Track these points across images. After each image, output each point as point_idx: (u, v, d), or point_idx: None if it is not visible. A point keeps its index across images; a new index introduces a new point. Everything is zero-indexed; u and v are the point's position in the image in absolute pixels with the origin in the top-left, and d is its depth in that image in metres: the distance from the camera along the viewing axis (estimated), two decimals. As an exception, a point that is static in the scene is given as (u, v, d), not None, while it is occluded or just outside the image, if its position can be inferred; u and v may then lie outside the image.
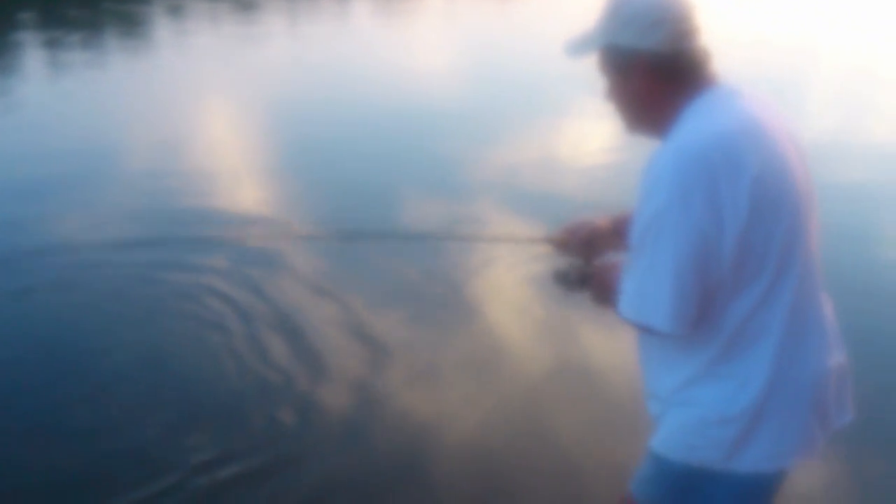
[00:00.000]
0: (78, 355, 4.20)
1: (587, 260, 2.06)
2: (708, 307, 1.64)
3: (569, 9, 15.47)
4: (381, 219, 5.77)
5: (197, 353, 4.16)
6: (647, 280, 1.65)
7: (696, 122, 1.65)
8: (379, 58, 11.94)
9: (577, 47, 1.78)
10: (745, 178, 1.57)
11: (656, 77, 1.70)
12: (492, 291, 4.74)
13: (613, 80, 1.76)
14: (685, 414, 1.75)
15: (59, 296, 4.84)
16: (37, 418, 3.63)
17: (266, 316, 4.51)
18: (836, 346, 1.79)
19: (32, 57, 12.81)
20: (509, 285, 4.78)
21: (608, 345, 4.03)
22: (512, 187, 6.39)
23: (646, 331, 1.73)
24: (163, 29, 15.15)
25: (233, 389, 3.83)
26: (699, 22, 1.69)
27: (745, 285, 1.63)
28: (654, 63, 1.68)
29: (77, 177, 6.90)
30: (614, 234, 2.07)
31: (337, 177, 6.74)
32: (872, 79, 10.29)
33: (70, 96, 10.04)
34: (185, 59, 12.30)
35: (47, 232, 5.68)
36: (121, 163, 7.38)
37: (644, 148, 1.75)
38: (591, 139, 7.43)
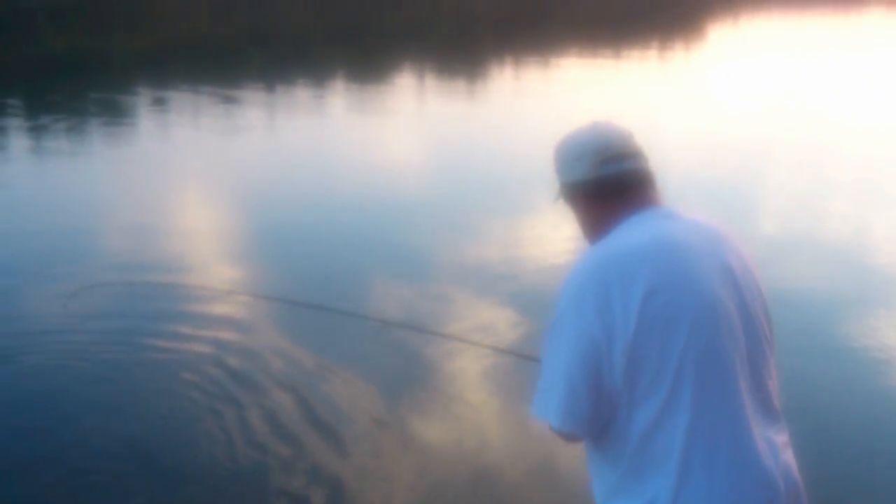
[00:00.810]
0: (57, 438, 4.40)
1: None
2: (613, 414, 1.75)
3: (540, 108, 16.23)
4: (346, 297, 6.09)
5: (177, 432, 4.42)
6: (545, 379, 1.83)
7: (608, 241, 1.89)
8: (352, 151, 12.42)
9: (553, 195, 2.13)
10: (636, 292, 1.71)
11: (588, 200, 1.98)
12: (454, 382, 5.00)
13: (571, 209, 2.10)
14: None
15: (33, 372, 5.12)
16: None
17: (230, 393, 4.79)
18: (773, 479, 1.73)
19: (17, 141, 13.22)
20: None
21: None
22: (476, 278, 6.72)
23: (548, 428, 1.85)
24: (146, 119, 15.65)
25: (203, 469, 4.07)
26: (630, 148, 1.96)
27: (644, 398, 1.71)
28: (583, 189, 1.98)
29: (54, 253, 7.25)
30: None
31: (306, 262, 7.11)
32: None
33: (51, 180, 10.42)
34: (165, 147, 12.74)
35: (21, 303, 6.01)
36: (96, 241, 7.72)
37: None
38: (553, 237, 7.76)
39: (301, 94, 18.91)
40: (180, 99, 17.86)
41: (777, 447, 1.78)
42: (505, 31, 39.84)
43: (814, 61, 24.56)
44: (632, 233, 1.85)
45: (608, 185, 1.94)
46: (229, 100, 17.64)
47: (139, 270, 6.89)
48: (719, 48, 31.20)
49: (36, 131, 14.06)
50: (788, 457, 1.82)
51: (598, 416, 1.76)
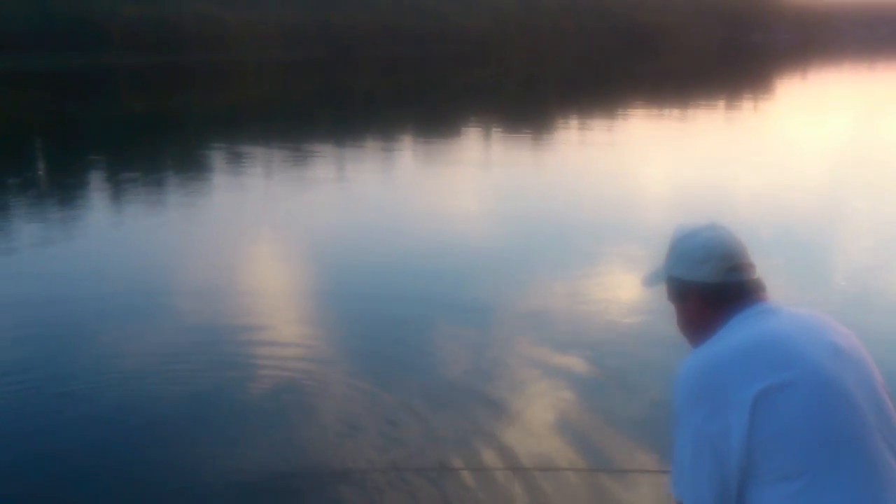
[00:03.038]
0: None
1: None
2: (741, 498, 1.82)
3: (603, 161, 16.33)
4: (410, 360, 6.10)
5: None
6: (676, 467, 1.91)
7: (717, 341, 1.95)
8: (419, 201, 12.66)
9: (650, 279, 2.20)
10: (750, 389, 1.78)
11: (704, 303, 2.04)
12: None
13: (675, 306, 2.14)
14: None
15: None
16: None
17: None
18: None
19: (100, 195, 13.85)
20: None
21: None
22: (541, 337, 6.55)
23: None
24: (223, 172, 16.22)
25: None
26: (749, 259, 2.05)
27: (773, 482, 1.77)
28: (702, 291, 2.03)
29: (134, 300, 7.57)
30: None
31: (373, 315, 7.08)
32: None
33: (131, 231, 10.87)
34: (239, 199, 13.16)
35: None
36: (171, 294, 8.02)
37: (668, 312, 2.17)
38: (620, 293, 7.61)
39: (369, 149, 19.36)
40: (256, 154, 18.46)
41: None
42: (572, 88, 40.20)
43: (881, 117, 24.15)
44: (736, 333, 1.93)
45: (729, 292, 2.01)
46: (301, 155, 18.17)
47: (205, 323, 7.16)
48: (787, 104, 30.96)
49: (120, 185, 14.70)
50: None
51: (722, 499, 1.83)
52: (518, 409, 5.26)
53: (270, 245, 10.15)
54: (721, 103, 30.24)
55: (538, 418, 5.14)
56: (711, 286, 2.02)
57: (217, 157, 18.37)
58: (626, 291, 7.55)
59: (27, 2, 61.26)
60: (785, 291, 6.78)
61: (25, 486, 4.44)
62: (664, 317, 2.21)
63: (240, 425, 5.08)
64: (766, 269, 2.13)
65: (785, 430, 1.76)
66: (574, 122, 25.36)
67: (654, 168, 15.55)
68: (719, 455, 1.79)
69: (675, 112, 26.96)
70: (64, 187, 14.79)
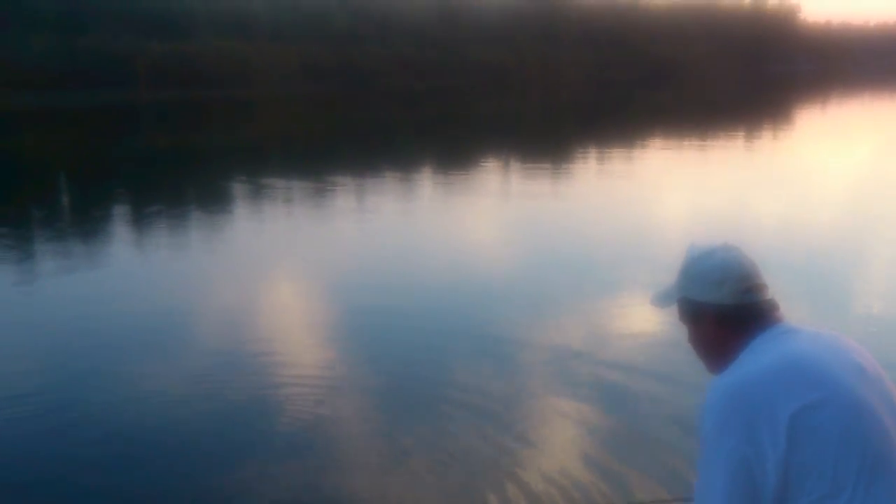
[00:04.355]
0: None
1: None
2: None
3: (623, 191, 16.36)
4: (428, 393, 6.12)
5: None
6: (702, 494, 1.88)
7: (743, 363, 1.94)
8: (437, 233, 12.74)
9: (661, 298, 2.18)
10: (781, 412, 1.78)
11: (721, 325, 2.02)
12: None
13: (689, 327, 2.13)
14: None
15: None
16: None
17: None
18: None
19: (117, 226, 14.07)
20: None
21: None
22: (561, 369, 6.57)
23: None
24: (241, 204, 16.40)
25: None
26: (763, 280, 2.04)
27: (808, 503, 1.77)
28: (719, 313, 2.02)
29: (158, 327, 7.68)
30: None
31: (390, 349, 7.11)
32: None
33: (151, 263, 11.02)
34: (261, 231, 13.31)
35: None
36: (191, 324, 8.11)
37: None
38: (640, 325, 7.62)
39: (390, 181, 19.51)
40: (278, 186, 18.66)
41: None
42: (591, 119, 40.35)
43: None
44: (763, 355, 1.92)
45: (746, 313, 2.01)
46: (323, 187, 18.34)
47: (223, 354, 7.24)
48: (807, 134, 30.91)
49: (146, 217, 14.91)
50: None
51: None
52: (537, 444, 5.27)
53: (292, 276, 10.24)
54: (741, 134, 30.22)
55: (559, 453, 5.14)
56: (728, 308, 2.01)
57: (241, 190, 18.60)
58: (647, 320, 7.56)
59: (54, 39, 62.41)
60: (802, 314, 6.76)
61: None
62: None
63: (264, 451, 5.12)
64: (787, 293, 2.14)
65: (822, 450, 1.76)
66: (593, 153, 25.44)
67: (672, 197, 15.57)
68: (755, 478, 1.78)
69: (695, 143, 26.97)
70: (90, 220, 15.00)
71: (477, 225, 13.59)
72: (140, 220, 14.72)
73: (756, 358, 1.92)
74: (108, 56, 62.82)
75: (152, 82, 62.39)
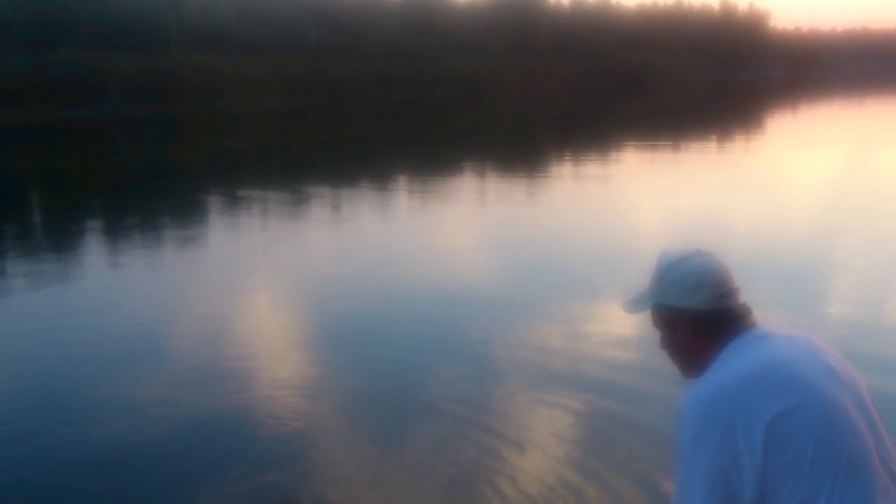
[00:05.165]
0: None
1: None
2: None
3: (605, 196, 16.46)
4: (413, 398, 6.10)
5: None
6: (679, 501, 1.89)
7: (718, 369, 1.94)
8: (414, 242, 12.75)
9: (633, 304, 2.17)
10: (758, 418, 1.79)
11: (697, 330, 2.02)
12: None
13: (663, 332, 2.13)
14: None
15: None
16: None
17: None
18: None
19: (94, 240, 13.97)
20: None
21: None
22: (541, 372, 6.56)
23: None
24: (218, 216, 16.34)
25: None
26: (734, 284, 2.05)
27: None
28: (695, 319, 2.02)
29: (135, 340, 7.61)
30: None
31: (372, 356, 7.07)
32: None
33: (131, 275, 10.94)
34: (237, 242, 13.24)
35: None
36: (171, 334, 8.06)
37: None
38: (618, 328, 7.61)
39: (365, 191, 19.52)
40: (254, 198, 18.59)
41: None
42: (565, 128, 40.58)
43: (871, 150, 24.37)
44: (738, 362, 1.92)
45: (722, 318, 2.01)
46: (299, 197, 18.32)
47: (201, 368, 7.21)
48: (777, 139, 31.26)
49: (120, 231, 14.80)
50: None
51: None
52: (525, 449, 5.24)
53: (273, 286, 10.19)
54: (713, 139, 30.51)
55: (548, 458, 5.12)
56: (704, 313, 2.01)
57: (215, 203, 18.52)
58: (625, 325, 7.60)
59: (23, 56, 61.91)
60: (774, 318, 6.82)
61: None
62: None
63: (248, 459, 5.09)
64: (759, 298, 2.15)
65: (798, 456, 1.77)
66: (568, 160, 25.56)
67: (644, 202, 15.68)
68: (732, 487, 1.79)
69: (667, 150, 27.18)
70: (65, 235, 14.86)
71: (455, 232, 13.62)
72: (118, 233, 14.60)
73: (730, 365, 1.92)
74: (79, 72, 62.37)
75: (125, 97, 62.03)
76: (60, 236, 14.91)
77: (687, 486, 1.86)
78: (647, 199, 16.13)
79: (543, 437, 5.38)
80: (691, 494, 1.84)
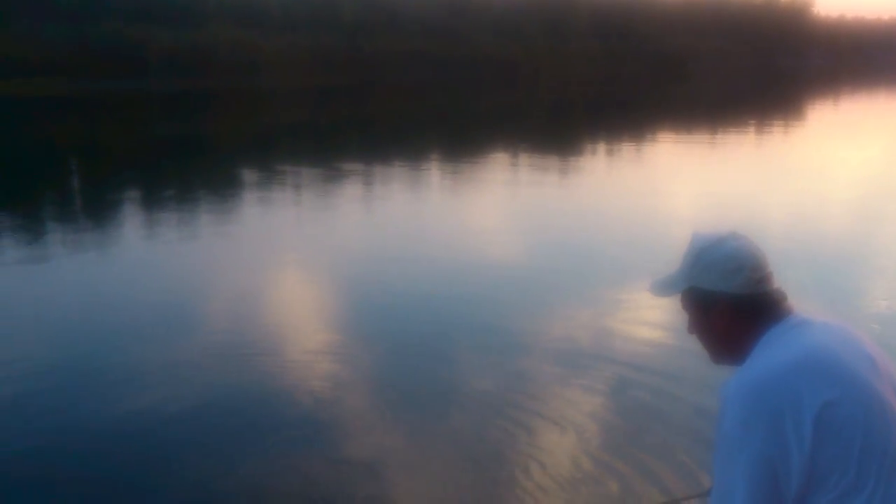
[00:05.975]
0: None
1: None
2: None
3: (632, 183, 16.36)
4: (433, 379, 6.10)
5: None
6: (721, 492, 1.84)
7: (762, 357, 1.89)
8: (445, 222, 12.77)
9: (663, 287, 2.10)
10: (806, 408, 1.75)
11: (734, 316, 1.97)
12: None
13: (695, 317, 2.06)
14: None
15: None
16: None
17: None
18: None
19: (131, 211, 14.18)
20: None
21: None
22: (573, 352, 6.57)
23: None
24: (253, 190, 16.47)
25: None
26: (770, 269, 1.99)
27: (831, 500, 1.75)
28: (733, 304, 1.97)
29: (165, 314, 7.73)
30: None
31: (396, 337, 7.09)
32: None
33: (163, 249, 11.07)
34: (268, 219, 13.34)
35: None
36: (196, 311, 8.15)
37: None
38: (647, 312, 7.57)
39: (398, 171, 19.54)
40: (288, 175, 18.70)
41: None
42: (601, 112, 40.24)
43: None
44: (781, 348, 1.88)
45: (760, 303, 1.96)
46: (333, 175, 18.38)
47: (224, 344, 7.31)
48: (817, 129, 30.80)
49: (157, 204, 14.99)
50: None
51: None
52: (550, 440, 5.22)
53: (304, 263, 10.28)
54: (751, 128, 30.11)
55: (573, 451, 5.06)
56: (742, 297, 1.96)
57: (250, 177, 18.65)
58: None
59: (66, 27, 62.49)
60: (807, 307, 6.77)
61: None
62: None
63: (270, 443, 5.16)
64: (792, 285, 2.13)
65: (846, 447, 1.74)
66: (602, 145, 25.40)
67: (680, 189, 15.56)
68: (778, 479, 1.75)
69: (705, 137, 26.91)
70: (103, 205, 15.07)
71: (488, 212, 13.61)
72: (154, 205, 14.80)
73: (774, 352, 1.88)
74: (118, 44, 62.88)
75: (163, 71, 62.48)
76: (99, 206, 15.13)
77: (729, 474, 1.81)
78: (681, 187, 16.00)
79: (575, 418, 5.38)
80: (734, 483, 1.80)
